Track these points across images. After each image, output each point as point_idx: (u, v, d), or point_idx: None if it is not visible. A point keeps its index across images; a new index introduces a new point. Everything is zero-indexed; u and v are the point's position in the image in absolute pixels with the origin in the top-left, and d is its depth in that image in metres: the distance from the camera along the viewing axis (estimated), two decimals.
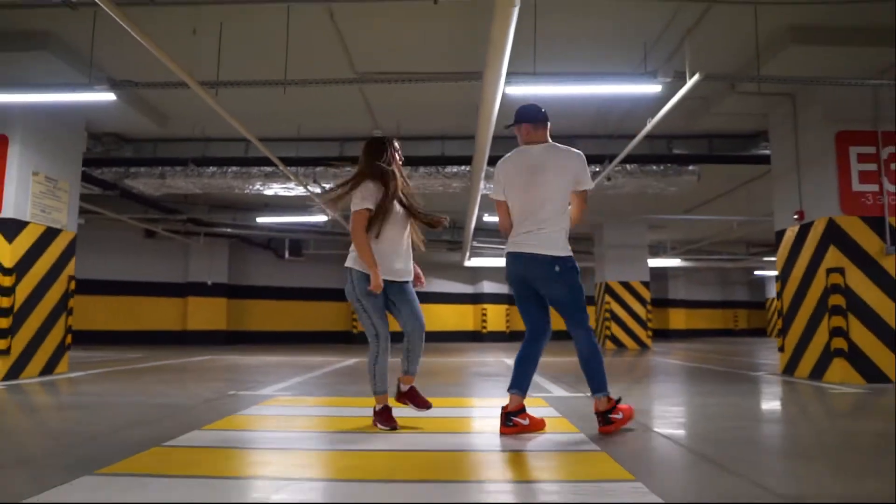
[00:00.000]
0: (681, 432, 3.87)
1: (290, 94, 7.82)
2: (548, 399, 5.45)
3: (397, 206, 3.92)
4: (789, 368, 7.51)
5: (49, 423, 4.19)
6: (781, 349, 7.71)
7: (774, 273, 24.81)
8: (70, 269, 7.79)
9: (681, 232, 18.14)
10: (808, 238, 7.19)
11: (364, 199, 3.81)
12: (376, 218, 3.81)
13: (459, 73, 6.14)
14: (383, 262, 3.81)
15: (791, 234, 7.55)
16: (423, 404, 4.06)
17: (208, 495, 2.37)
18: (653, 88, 5.87)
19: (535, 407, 4.94)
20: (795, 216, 7.38)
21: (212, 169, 10.09)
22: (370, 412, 3.98)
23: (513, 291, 3.94)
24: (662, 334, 25.27)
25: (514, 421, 3.68)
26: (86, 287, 16.61)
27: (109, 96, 5.96)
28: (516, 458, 3.13)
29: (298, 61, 6.79)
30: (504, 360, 11.30)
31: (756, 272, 25.46)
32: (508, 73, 5.55)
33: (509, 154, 3.88)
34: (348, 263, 3.88)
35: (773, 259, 20.44)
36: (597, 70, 7.13)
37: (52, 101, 6.18)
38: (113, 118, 8.43)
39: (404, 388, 4.08)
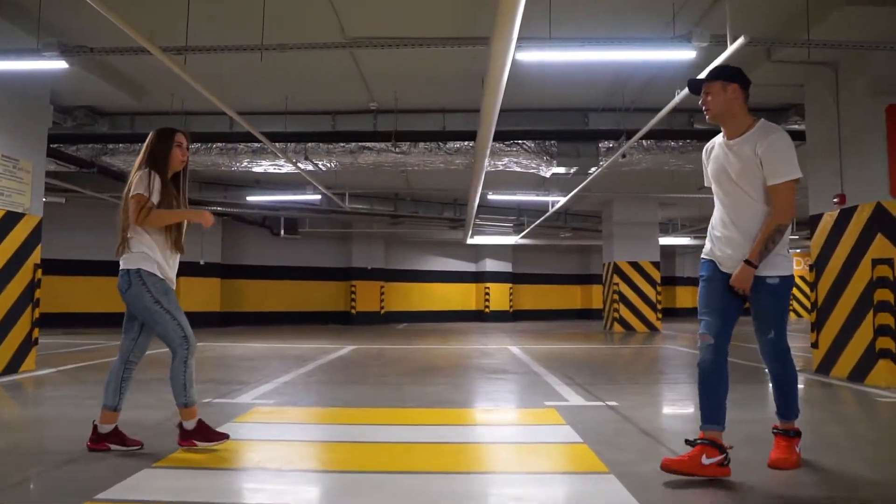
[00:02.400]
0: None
1: (276, 64, 7.09)
2: (562, 410, 4.78)
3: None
4: (824, 367, 6.84)
5: None
6: (815, 345, 7.04)
7: None
8: (36, 256, 7.10)
9: (693, 209, 17.39)
10: (851, 224, 6.47)
11: (141, 185, 3.36)
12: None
13: (463, 38, 5.37)
14: (165, 263, 3.46)
15: (829, 219, 6.83)
16: (218, 436, 3.46)
17: None
18: (686, 55, 5.12)
19: (548, 425, 4.30)
20: (835, 200, 6.65)
21: (196, 145, 9.35)
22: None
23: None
24: (670, 313, 24.65)
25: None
26: (69, 268, 16.02)
27: (60, 64, 5.22)
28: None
29: (280, 24, 6.04)
30: (509, 347, 10.67)
31: None
32: (519, 39, 4.79)
33: None
34: (129, 265, 3.36)
35: (790, 237, 19.76)
36: (616, 34, 6.35)
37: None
38: (82, 90, 7.69)
39: (189, 425, 3.42)
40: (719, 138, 3.27)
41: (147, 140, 3.51)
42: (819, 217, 7.03)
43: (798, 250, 24.38)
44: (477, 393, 5.95)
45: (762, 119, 3.14)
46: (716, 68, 3.29)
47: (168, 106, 8.54)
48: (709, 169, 3.33)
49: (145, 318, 3.40)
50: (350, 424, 4.34)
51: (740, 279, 3.07)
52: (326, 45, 5.31)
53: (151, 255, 3.36)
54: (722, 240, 3.20)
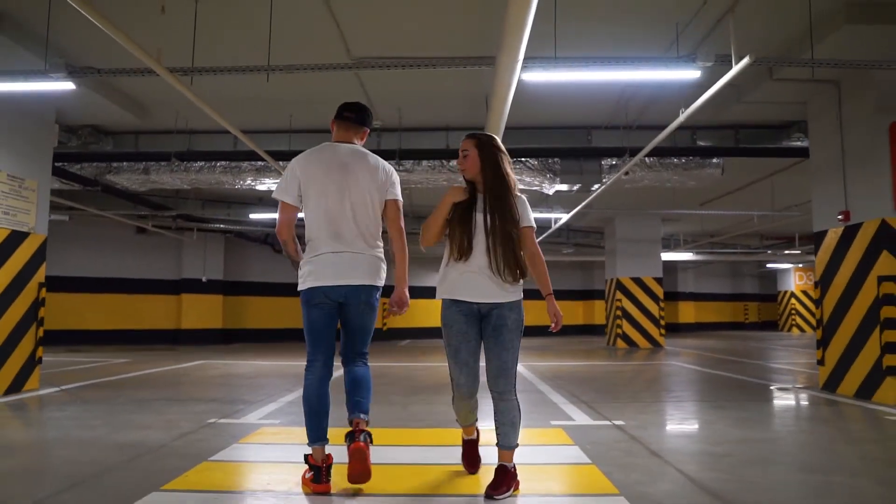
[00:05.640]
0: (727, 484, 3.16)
1: (279, 82, 7.12)
2: (569, 429, 4.76)
3: None
4: (830, 384, 6.81)
5: None
6: (821, 362, 7.01)
7: (789, 266, 23.66)
8: (40, 275, 7.10)
9: (695, 224, 17.41)
10: (856, 241, 6.47)
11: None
12: None
13: (469, 58, 5.40)
14: None
15: (834, 235, 6.83)
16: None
17: None
18: (690, 74, 5.14)
19: (556, 445, 4.29)
20: (840, 216, 6.65)
21: (199, 163, 9.40)
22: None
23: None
24: (672, 328, 24.57)
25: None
26: (75, 285, 16.00)
27: (67, 85, 5.24)
28: None
29: (286, 44, 6.09)
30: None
31: (769, 265, 24.70)
32: (524, 58, 4.82)
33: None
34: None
35: (793, 252, 19.73)
36: (619, 54, 6.39)
37: (5, 90, 5.44)
38: (87, 109, 7.72)
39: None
40: None
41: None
42: (823, 234, 7.03)
43: (801, 265, 24.38)
44: (483, 412, 5.90)
45: None
46: None
47: (172, 124, 8.58)
48: None
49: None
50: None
51: None
52: (333, 66, 5.33)
53: None
54: None
